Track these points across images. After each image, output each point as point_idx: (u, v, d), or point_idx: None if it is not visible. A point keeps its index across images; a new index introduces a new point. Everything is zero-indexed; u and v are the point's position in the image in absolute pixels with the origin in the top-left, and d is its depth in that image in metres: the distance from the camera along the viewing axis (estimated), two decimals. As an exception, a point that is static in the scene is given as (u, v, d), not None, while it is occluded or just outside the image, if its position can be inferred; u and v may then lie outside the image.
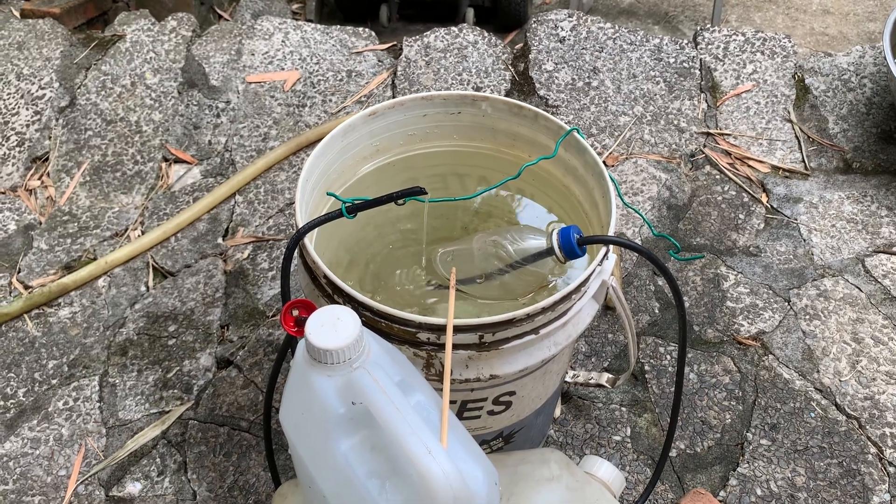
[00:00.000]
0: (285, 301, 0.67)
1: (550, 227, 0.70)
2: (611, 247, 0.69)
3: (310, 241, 0.70)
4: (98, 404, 0.99)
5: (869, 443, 0.93)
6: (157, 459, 0.93)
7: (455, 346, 0.63)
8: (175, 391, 0.99)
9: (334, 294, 0.65)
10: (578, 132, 0.76)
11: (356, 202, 0.66)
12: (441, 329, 0.62)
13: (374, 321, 0.63)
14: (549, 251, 0.69)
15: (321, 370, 0.54)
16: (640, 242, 1.13)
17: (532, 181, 0.83)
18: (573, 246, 0.67)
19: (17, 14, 1.71)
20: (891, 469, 0.91)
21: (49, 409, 0.98)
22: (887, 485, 0.90)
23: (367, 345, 0.55)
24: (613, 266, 0.72)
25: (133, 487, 0.91)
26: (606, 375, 0.93)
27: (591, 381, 0.94)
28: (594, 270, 0.66)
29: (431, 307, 0.76)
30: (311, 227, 0.66)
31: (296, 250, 0.67)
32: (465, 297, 0.73)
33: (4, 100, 1.37)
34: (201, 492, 0.90)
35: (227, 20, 2.15)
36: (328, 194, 0.71)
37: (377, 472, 0.52)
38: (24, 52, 1.44)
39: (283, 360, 0.68)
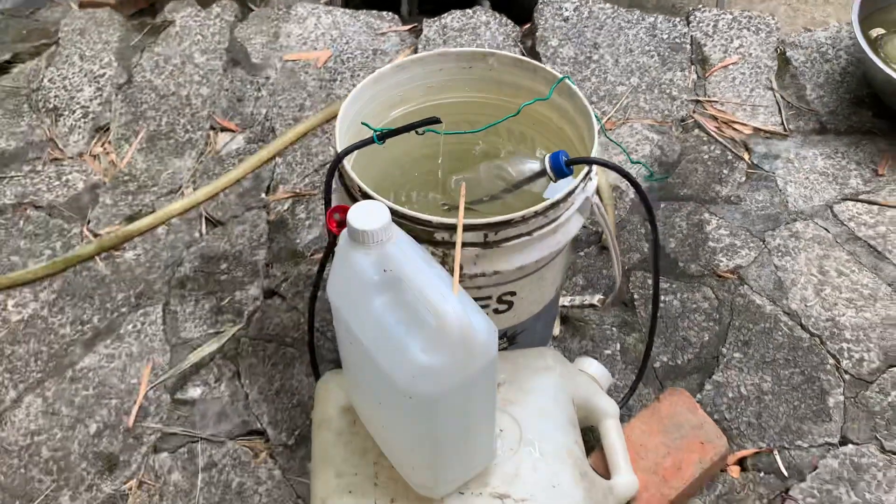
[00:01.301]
0: (328, 208, 0.83)
1: (543, 153, 0.85)
2: (594, 168, 0.84)
3: (347, 163, 0.86)
4: (162, 327, 1.15)
5: (828, 355, 1.07)
6: (215, 369, 1.09)
7: (464, 245, 0.78)
8: (228, 315, 1.15)
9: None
10: (569, 80, 0.91)
11: (384, 130, 0.82)
12: (454, 228, 0.77)
13: (399, 223, 0.79)
14: (542, 172, 0.84)
15: (359, 248, 0.69)
16: (633, 190, 1.27)
17: (532, 125, 0.98)
18: (561, 165, 0.82)
19: (75, 6, 1.89)
20: (846, 376, 1.05)
21: (120, 332, 1.15)
22: (842, 388, 1.04)
23: (395, 229, 0.70)
24: (601, 191, 0.87)
25: (195, 392, 1.07)
26: (598, 296, 1.08)
27: (585, 302, 1.09)
28: (578, 185, 0.81)
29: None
30: (349, 150, 0.81)
31: (336, 169, 0.82)
32: (473, 214, 0.88)
33: (70, 78, 1.55)
34: (253, 394, 1.06)
35: (260, 7, 2.33)
36: (362, 123, 0.87)
37: (403, 321, 0.67)
38: (85, 37, 1.61)
39: (329, 257, 0.83)
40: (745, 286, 1.16)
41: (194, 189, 1.36)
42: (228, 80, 1.52)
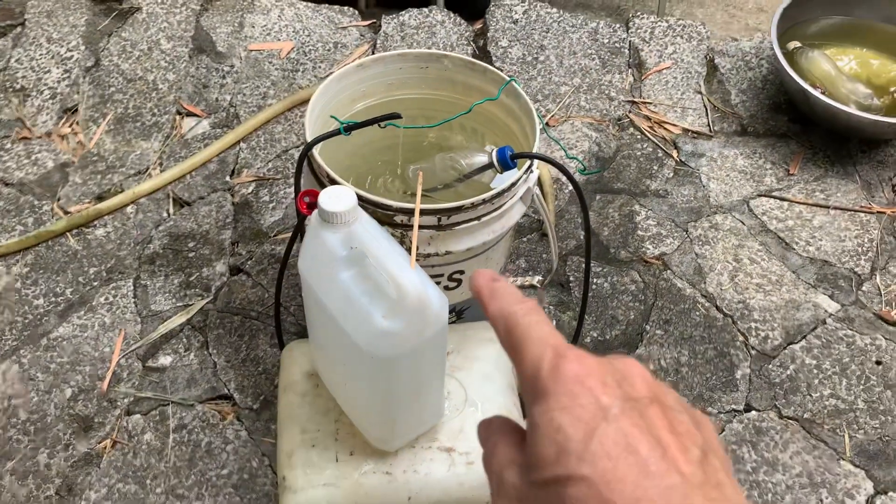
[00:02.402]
0: (298, 192, 0.92)
1: (492, 148, 0.96)
2: (535, 163, 0.96)
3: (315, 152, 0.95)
4: (133, 300, 1.23)
5: (738, 333, 1.21)
6: (184, 339, 1.18)
7: (420, 227, 0.89)
8: (196, 290, 1.24)
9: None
10: (515, 82, 1.02)
11: (350, 123, 0.92)
12: (412, 212, 0.87)
13: (363, 207, 0.89)
14: (490, 164, 0.95)
15: (328, 228, 0.79)
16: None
17: (482, 122, 1.09)
18: (507, 159, 0.93)
19: (37, -13, 1.92)
20: (752, 351, 1.19)
21: (93, 304, 1.22)
22: (749, 362, 1.18)
23: (360, 211, 0.80)
24: (543, 182, 0.98)
25: (165, 360, 1.16)
26: (538, 277, 1.20)
27: (526, 283, 1.20)
28: (521, 177, 0.93)
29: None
30: (318, 140, 0.91)
31: (306, 157, 0.92)
32: (428, 200, 0.98)
33: (37, 60, 1.59)
34: (220, 363, 1.15)
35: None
36: (331, 116, 0.96)
37: (367, 291, 0.77)
38: (52, 19, 1.66)
39: (296, 237, 0.93)
40: (669, 271, 1.29)
41: (161, 171, 1.43)
42: (194, 67, 1.59)
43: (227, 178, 1.42)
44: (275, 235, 1.32)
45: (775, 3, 1.57)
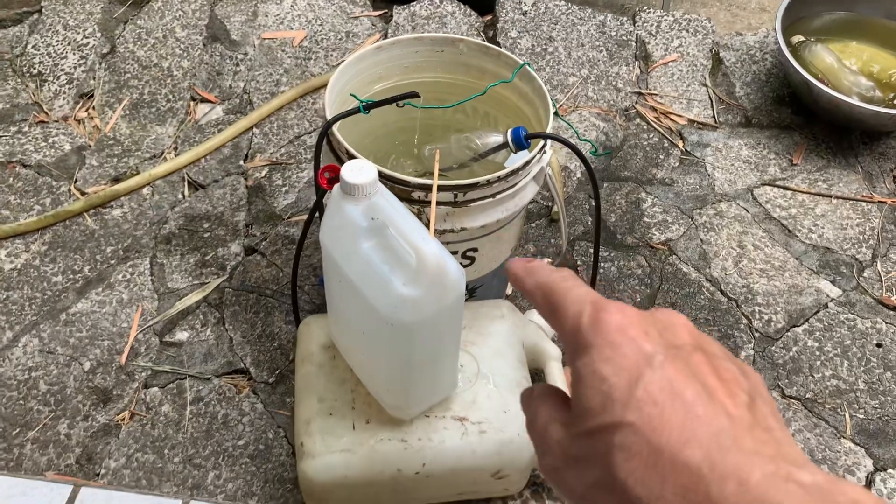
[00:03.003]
0: (318, 168, 0.95)
1: (505, 128, 0.98)
2: (548, 143, 0.98)
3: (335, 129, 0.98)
4: (150, 278, 1.25)
5: (742, 316, 1.24)
6: (201, 316, 1.20)
7: (437, 203, 0.92)
8: (212, 269, 1.26)
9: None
10: (529, 66, 1.05)
11: (369, 102, 0.94)
12: (429, 188, 0.90)
13: (382, 183, 0.91)
14: (504, 144, 0.98)
15: (350, 200, 0.82)
16: (580, 171, 1.42)
17: (496, 106, 1.11)
18: (521, 139, 0.96)
19: (52, -24, 1.95)
20: (756, 334, 1.22)
21: (111, 281, 1.25)
22: (753, 344, 1.21)
23: (380, 185, 0.83)
24: (552, 166, 1.01)
25: (182, 335, 1.18)
26: (547, 260, 1.22)
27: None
28: (534, 156, 0.95)
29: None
30: (338, 117, 0.94)
31: (325, 134, 0.94)
32: (444, 179, 1.01)
33: (53, 46, 1.62)
34: (236, 338, 1.18)
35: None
36: (350, 94, 0.99)
37: (387, 260, 0.80)
38: (69, 6, 1.69)
39: (315, 212, 0.96)
40: (674, 256, 1.32)
41: (176, 154, 1.46)
42: (208, 55, 1.61)
43: (241, 163, 1.44)
44: (288, 218, 1.34)
45: (776, 3, 1.60)
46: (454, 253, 1.00)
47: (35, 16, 1.69)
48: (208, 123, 1.52)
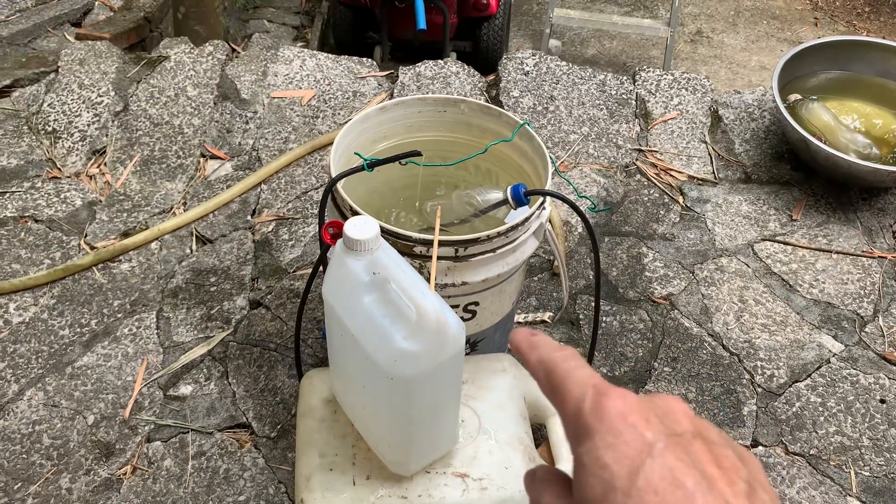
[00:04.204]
0: (322, 224, 0.97)
1: (506, 185, 1.01)
2: (547, 199, 1.00)
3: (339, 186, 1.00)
4: (156, 331, 1.27)
5: (745, 371, 1.24)
6: (205, 370, 1.21)
7: (438, 258, 0.93)
8: (217, 322, 1.28)
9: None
10: (529, 125, 1.08)
11: (374, 160, 0.97)
12: (431, 243, 0.92)
13: (384, 238, 0.93)
14: (504, 201, 1.00)
15: (353, 255, 0.83)
16: (581, 226, 1.44)
17: (497, 163, 1.14)
18: (521, 196, 0.98)
19: (70, 39, 2.02)
20: (759, 389, 1.22)
21: (117, 334, 1.26)
22: (755, 399, 1.21)
23: (383, 240, 0.85)
24: (553, 222, 1.03)
25: (186, 389, 1.19)
26: (548, 314, 1.23)
27: (537, 319, 1.24)
28: (534, 212, 0.97)
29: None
30: (342, 175, 0.96)
31: (330, 192, 0.97)
32: (445, 234, 1.03)
33: (68, 104, 1.67)
34: (239, 392, 1.18)
35: (240, 52, 2.48)
36: (355, 153, 1.02)
37: (388, 314, 0.81)
38: (84, 66, 1.74)
39: (318, 267, 0.97)
40: (676, 311, 1.33)
41: (185, 210, 1.49)
42: (219, 113, 1.66)
43: (249, 218, 1.47)
44: (294, 272, 1.36)
45: (775, 60, 1.64)
46: (455, 307, 1.02)
47: (52, 75, 1.75)
48: (217, 179, 1.55)
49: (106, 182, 1.54)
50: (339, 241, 0.85)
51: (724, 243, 1.44)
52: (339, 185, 0.97)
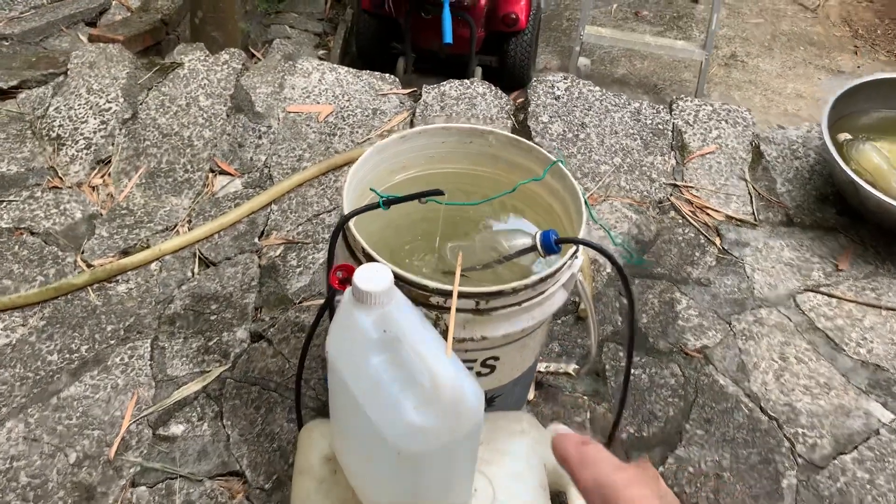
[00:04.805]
0: (331, 266, 0.88)
1: (535, 231, 0.91)
2: (579, 248, 0.91)
3: (351, 224, 0.91)
4: (149, 362, 1.18)
5: (784, 438, 1.14)
6: (198, 408, 1.12)
7: (457, 310, 0.84)
8: (215, 356, 1.19)
9: (367, 261, 0.86)
10: (562, 162, 0.98)
11: (391, 197, 0.88)
12: (449, 294, 0.82)
13: (398, 285, 0.84)
14: (533, 247, 0.90)
15: (361, 308, 0.74)
16: (610, 265, 1.34)
17: (524, 200, 1.04)
18: (551, 243, 0.88)
19: (83, 39, 1.95)
20: (800, 460, 1.11)
21: (108, 363, 1.18)
22: (796, 471, 1.10)
23: (396, 292, 0.75)
24: (582, 266, 0.93)
25: (177, 429, 1.10)
26: (573, 365, 1.13)
27: (560, 370, 1.14)
28: (565, 263, 0.88)
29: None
30: (355, 213, 0.87)
31: (341, 230, 0.88)
32: (466, 280, 0.94)
33: (75, 109, 1.59)
34: (234, 435, 1.09)
35: (260, 59, 2.41)
36: (371, 189, 0.92)
37: (398, 380, 0.72)
38: (94, 70, 1.66)
39: (324, 312, 0.88)
40: (711, 366, 1.22)
41: (190, 228, 1.40)
42: (231, 126, 1.58)
43: (256, 240, 1.38)
44: (300, 302, 1.27)
45: (814, 90, 1.54)
46: (472, 362, 0.92)
47: (60, 77, 1.67)
48: (226, 196, 1.47)
49: (108, 194, 1.46)
50: (348, 290, 0.76)
51: (764, 292, 1.34)
52: (352, 223, 0.88)
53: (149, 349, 1.20)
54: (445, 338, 0.83)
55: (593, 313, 0.98)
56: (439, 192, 0.87)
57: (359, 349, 0.74)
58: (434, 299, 0.84)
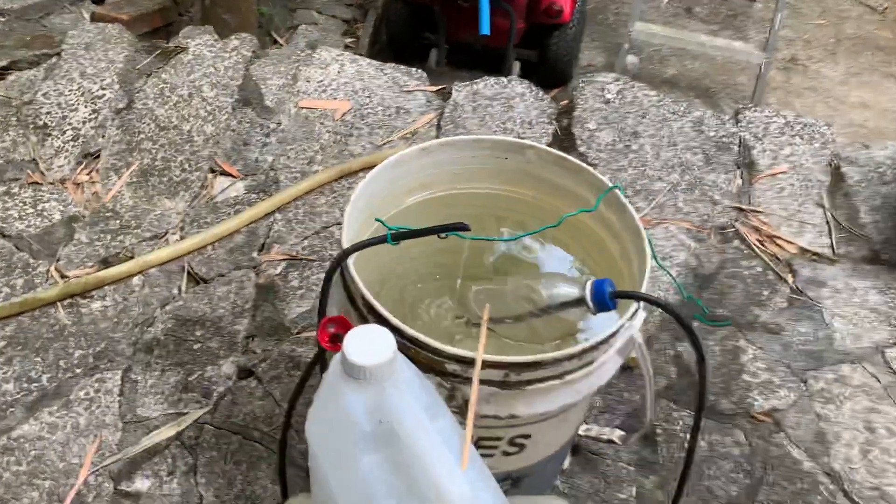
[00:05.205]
0: (322, 316, 0.70)
1: (584, 278, 0.72)
2: (640, 304, 0.71)
3: (350, 261, 0.73)
4: (118, 398, 1.01)
5: (873, 533, 0.93)
6: (169, 459, 0.95)
7: (480, 382, 0.65)
8: (194, 394, 1.01)
9: (369, 315, 0.67)
10: (620, 190, 0.79)
11: (401, 230, 0.69)
12: (469, 362, 0.64)
13: (404, 346, 0.65)
14: (580, 300, 0.71)
15: (354, 386, 0.56)
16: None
17: (567, 230, 0.85)
18: (605, 298, 0.69)
19: (87, 17, 1.79)
20: (893, 562, 0.91)
21: (70, 398, 1.01)
22: (888, 578, 0.90)
23: (400, 366, 0.57)
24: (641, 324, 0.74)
25: (142, 484, 0.93)
26: (618, 432, 0.94)
27: (603, 437, 0.94)
28: (623, 325, 0.68)
29: (457, 342, 0.78)
30: (355, 248, 0.68)
31: (338, 268, 0.69)
32: (491, 335, 0.75)
33: (66, 95, 1.43)
34: (208, 496, 0.91)
35: (282, 45, 2.23)
36: (376, 220, 0.74)
37: (395, 492, 0.53)
38: (90, 52, 1.50)
39: (311, 374, 0.70)
40: (782, 433, 1.02)
41: (181, 237, 1.23)
42: (236, 121, 1.40)
43: (255, 254, 1.21)
44: (298, 332, 1.09)
45: (881, 99, 1.32)
46: (496, 440, 0.73)
47: (54, 59, 1.51)
48: (225, 201, 1.29)
49: (94, 193, 1.30)
50: (337, 357, 0.57)
51: (846, 344, 1.13)
52: (352, 260, 0.69)
53: (119, 382, 1.03)
54: (462, 415, 0.64)
55: (651, 379, 0.78)
56: (463, 227, 0.68)
57: (347, 441, 0.55)
58: (450, 366, 0.65)
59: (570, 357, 0.65)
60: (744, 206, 1.32)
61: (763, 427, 1.03)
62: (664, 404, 1.04)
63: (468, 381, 0.65)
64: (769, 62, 2.59)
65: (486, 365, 0.64)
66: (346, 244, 0.70)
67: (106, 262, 1.18)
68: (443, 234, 0.70)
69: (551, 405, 0.68)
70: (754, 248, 1.26)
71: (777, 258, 1.25)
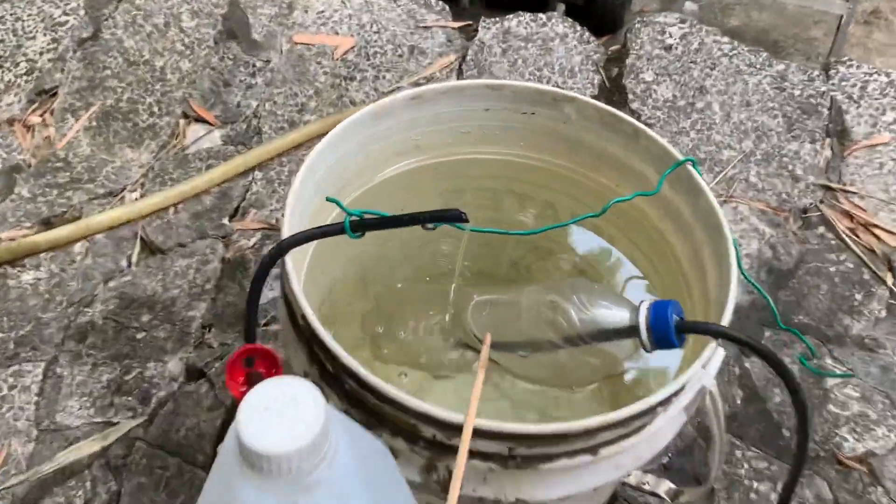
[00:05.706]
0: (252, 336, 0.48)
1: (640, 300, 0.48)
2: (719, 340, 0.48)
3: (302, 258, 0.50)
4: (36, 398, 0.81)
5: None
6: (88, 483, 0.75)
7: (472, 454, 0.43)
8: (129, 399, 0.81)
9: (312, 341, 0.45)
10: (694, 165, 0.55)
11: (366, 216, 0.46)
12: (454, 429, 0.41)
13: (360, 394, 0.43)
14: (630, 330, 0.48)
15: (255, 480, 0.34)
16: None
17: (614, 218, 0.62)
18: (669, 331, 0.46)
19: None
20: None
21: (-22, 394, 0.81)
22: None
23: (333, 446, 0.35)
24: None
25: (51, 514, 0.73)
26: (667, 484, 0.71)
27: (646, 487, 0.72)
28: (695, 375, 0.45)
29: (449, 370, 0.55)
30: (295, 241, 0.46)
31: (271, 269, 0.47)
32: (495, 370, 0.52)
33: (23, 20, 1.21)
34: (130, 537, 0.71)
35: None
36: (328, 199, 0.51)
37: None
38: (55, -29, 1.27)
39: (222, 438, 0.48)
40: (880, 487, 0.79)
41: (140, 195, 1.02)
42: (218, 57, 1.17)
43: (225, 221, 0.99)
44: (266, 324, 0.88)
45: None
46: (498, 521, 0.51)
47: (15, -22, 1.28)
48: (197, 154, 1.07)
49: (46, 138, 1.09)
50: (233, 431, 0.35)
51: (964, 369, 0.88)
52: (289, 259, 0.47)
53: (40, 377, 0.82)
54: (443, 495, 0.42)
55: (722, 437, 0.55)
56: (458, 218, 0.45)
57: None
58: (427, 430, 0.43)
59: (611, 426, 0.42)
60: (833, 184, 1.06)
61: (854, 477, 0.79)
62: (724, 438, 0.81)
63: (453, 449, 0.43)
64: (852, 13, 2.28)
65: (482, 435, 0.41)
66: (286, 233, 0.47)
67: (48, 223, 0.98)
68: (431, 226, 0.47)
69: (578, 487, 0.46)
70: (844, 237, 1.01)
71: (873, 252, 1.00)
